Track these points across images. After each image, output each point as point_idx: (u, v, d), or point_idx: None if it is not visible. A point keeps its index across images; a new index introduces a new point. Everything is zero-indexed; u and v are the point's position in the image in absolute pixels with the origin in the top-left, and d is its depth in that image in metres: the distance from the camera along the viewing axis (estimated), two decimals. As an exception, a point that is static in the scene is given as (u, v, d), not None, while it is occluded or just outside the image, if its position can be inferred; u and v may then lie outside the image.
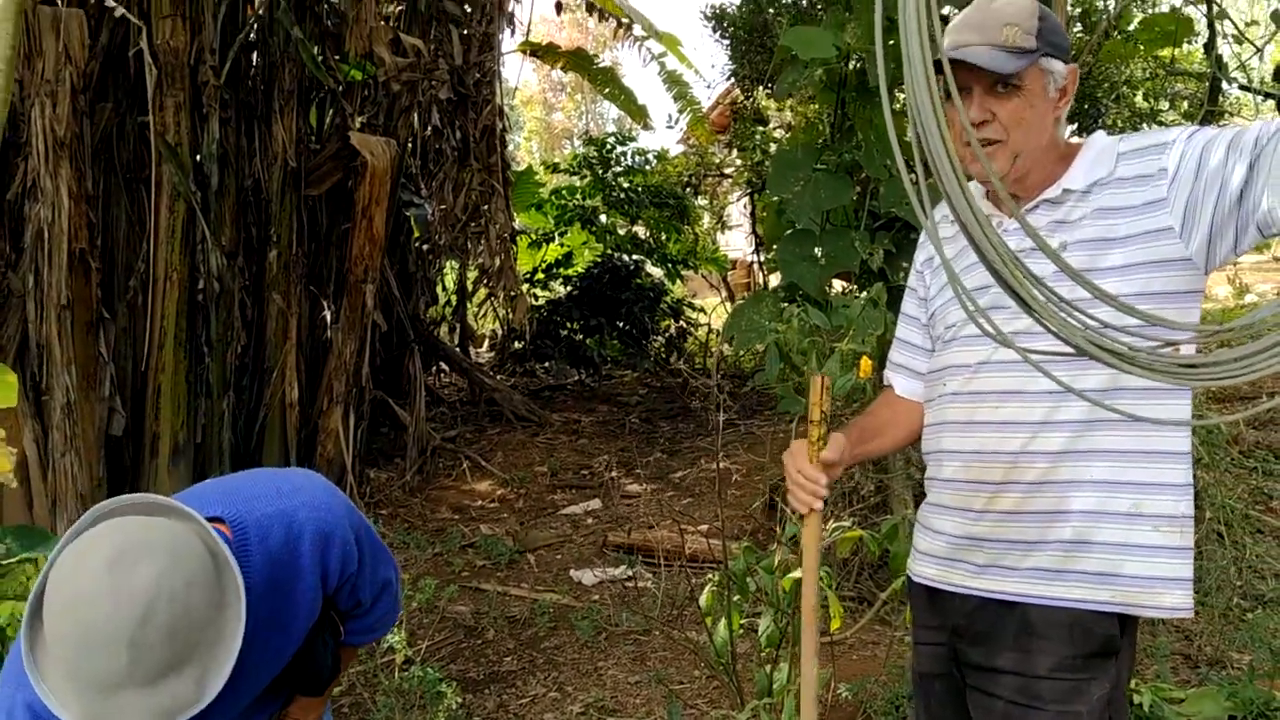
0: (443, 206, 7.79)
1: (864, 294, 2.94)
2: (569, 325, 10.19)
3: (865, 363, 2.46)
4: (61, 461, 5.14)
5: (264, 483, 1.66)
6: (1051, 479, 1.72)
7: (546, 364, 10.40)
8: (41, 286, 5.03)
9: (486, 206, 7.78)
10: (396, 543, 5.75)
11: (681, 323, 11.06)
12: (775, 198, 4.06)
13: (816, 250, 3.84)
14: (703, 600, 2.89)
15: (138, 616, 1.26)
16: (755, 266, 12.02)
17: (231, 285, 6.14)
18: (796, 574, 2.64)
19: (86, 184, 5.27)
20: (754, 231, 11.16)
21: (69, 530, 1.36)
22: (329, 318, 7.13)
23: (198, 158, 5.93)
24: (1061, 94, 1.78)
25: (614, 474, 7.43)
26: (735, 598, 2.92)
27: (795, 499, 1.88)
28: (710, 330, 10.92)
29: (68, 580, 1.29)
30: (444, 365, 9.54)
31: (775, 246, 4.29)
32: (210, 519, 1.51)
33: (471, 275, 9.48)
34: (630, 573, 5.29)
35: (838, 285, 5.51)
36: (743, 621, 3.03)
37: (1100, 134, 1.81)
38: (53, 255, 4.99)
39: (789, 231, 4.00)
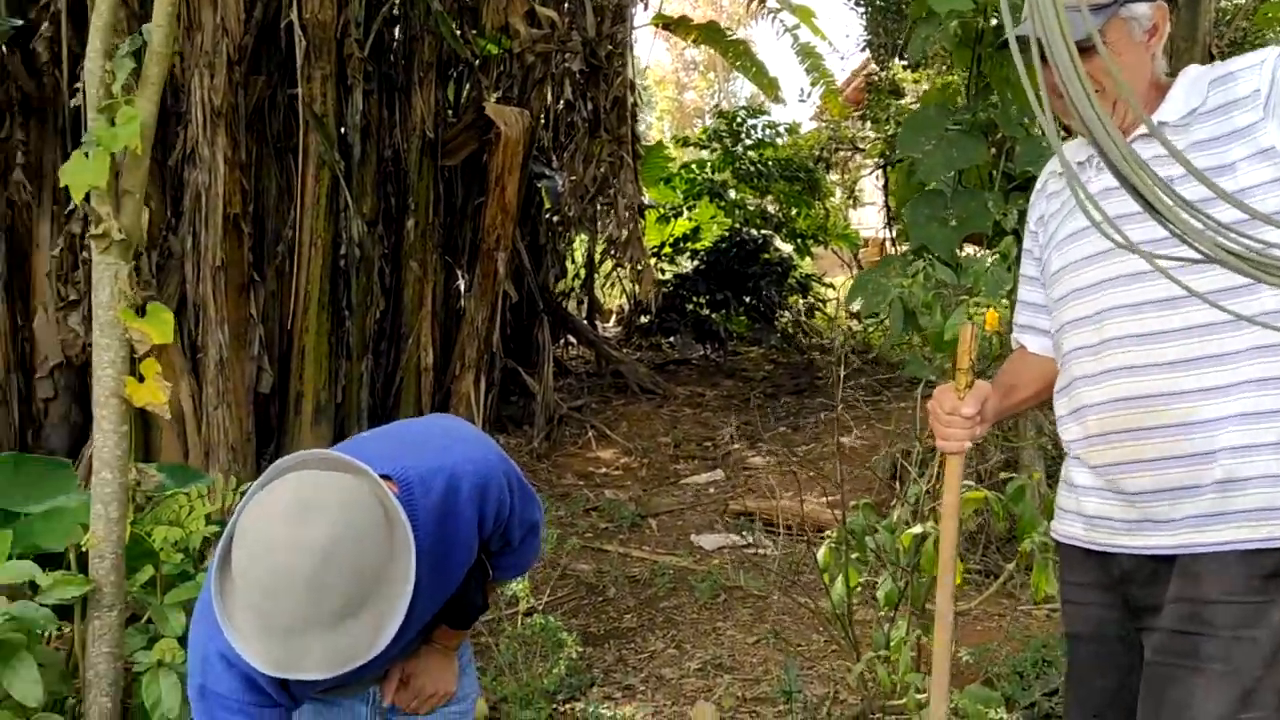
0: (573, 178, 7.91)
1: (994, 252, 2.88)
2: (695, 300, 10.20)
3: (991, 315, 2.40)
4: (214, 414, 5.45)
5: (424, 437, 1.74)
6: (1194, 419, 1.64)
7: (672, 338, 10.44)
8: (198, 248, 5.33)
9: (615, 178, 7.86)
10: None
11: (810, 298, 10.93)
12: (906, 158, 3.99)
13: (947, 211, 3.75)
14: (820, 555, 2.88)
15: (318, 562, 1.33)
16: (888, 244, 11.80)
17: (371, 252, 6.38)
18: (916, 529, 2.61)
19: (240, 152, 5.54)
20: (886, 205, 10.95)
21: (255, 483, 1.46)
22: (463, 286, 7.34)
23: (342, 130, 6.18)
24: (1151, 33, 1.75)
25: (736, 446, 7.44)
26: (854, 556, 2.90)
27: (942, 439, 1.88)
28: (840, 305, 10.76)
29: (252, 529, 1.38)
30: (571, 337, 9.70)
31: (904, 209, 4.21)
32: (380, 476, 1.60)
33: (599, 249, 9.59)
34: (750, 539, 5.30)
35: (969, 250, 5.37)
36: (861, 580, 3.01)
37: (1193, 66, 1.78)
38: (209, 219, 5.28)
39: (919, 193, 3.93)
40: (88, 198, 2.47)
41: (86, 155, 2.41)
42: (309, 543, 1.34)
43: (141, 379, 2.54)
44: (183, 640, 2.67)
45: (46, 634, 2.70)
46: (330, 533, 1.35)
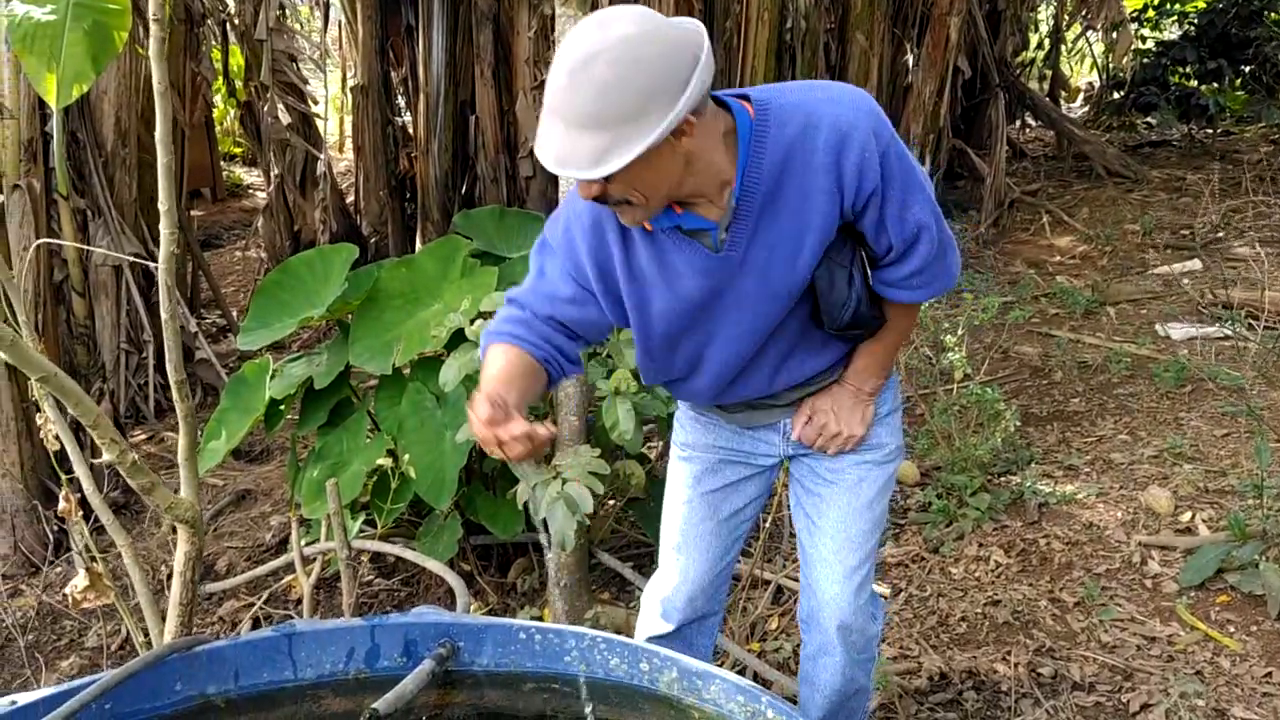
0: (1040, -69, 7.07)
1: None
2: (1180, 71, 8.86)
3: None
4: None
5: (802, 83, 1.70)
6: None
7: (1149, 116, 9.24)
8: (652, 28, 5.50)
9: (1092, -73, 6.91)
10: (963, 286, 5.66)
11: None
12: None
13: None
14: (1320, 330, 2.47)
15: (584, 56, 1.41)
16: None
17: (817, 25, 6.21)
18: None
19: (690, -75, 5.55)
20: None
21: None
22: (910, 60, 6.95)
23: (790, -104, 5.96)
24: None
25: (1221, 235, 6.55)
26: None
27: None
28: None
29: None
30: (1029, 116, 8.94)
31: None
32: (738, 95, 1.61)
33: (1067, 13, 8.59)
34: (1230, 330, 4.70)
35: None
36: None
37: None
38: (661, -4, 5.41)
39: None
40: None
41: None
42: (588, 40, 1.42)
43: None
44: (635, 373, 2.93)
45: (526, 359, 3.07)
46: (608, 40, 1.41)
